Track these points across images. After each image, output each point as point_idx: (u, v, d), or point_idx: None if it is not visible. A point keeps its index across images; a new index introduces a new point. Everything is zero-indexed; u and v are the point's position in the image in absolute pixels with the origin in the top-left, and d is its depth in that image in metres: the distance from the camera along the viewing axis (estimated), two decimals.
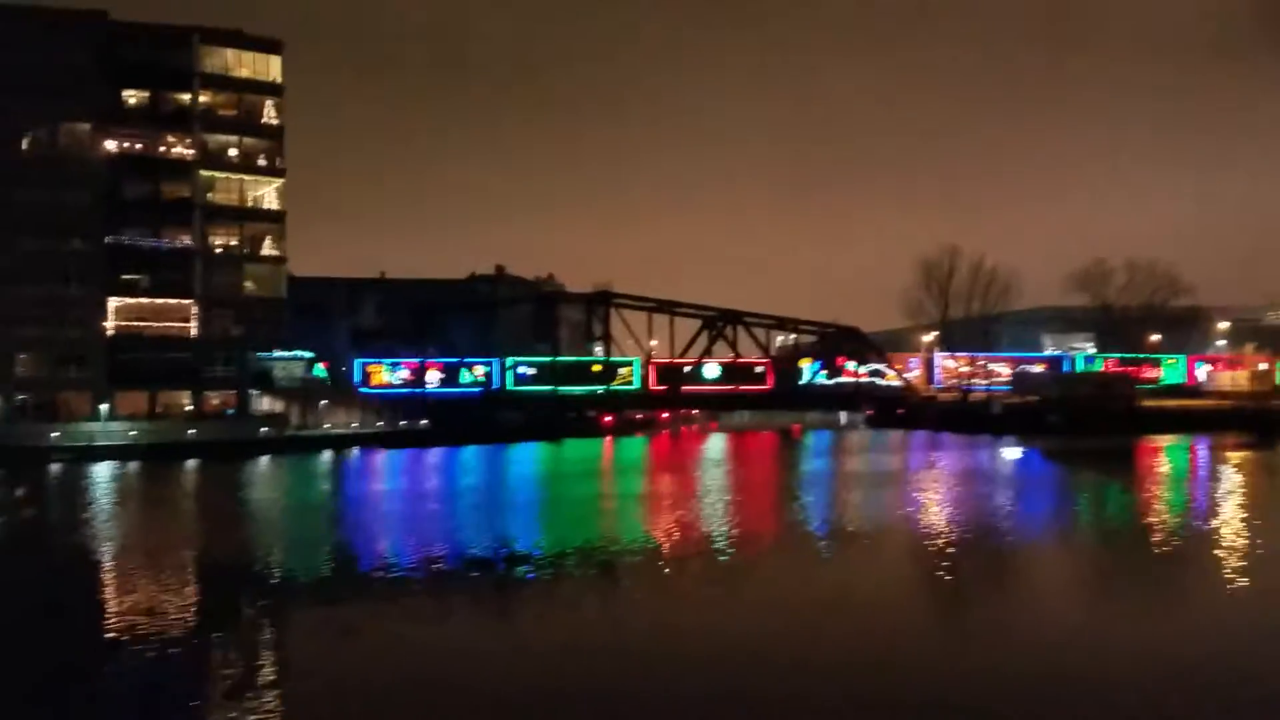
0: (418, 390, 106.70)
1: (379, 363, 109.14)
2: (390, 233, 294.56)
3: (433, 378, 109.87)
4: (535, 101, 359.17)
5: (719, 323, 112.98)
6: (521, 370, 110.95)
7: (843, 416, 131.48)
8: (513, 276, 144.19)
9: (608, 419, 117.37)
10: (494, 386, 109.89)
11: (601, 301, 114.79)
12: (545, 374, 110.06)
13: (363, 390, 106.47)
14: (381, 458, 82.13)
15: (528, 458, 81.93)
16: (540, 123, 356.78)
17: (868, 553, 34.62)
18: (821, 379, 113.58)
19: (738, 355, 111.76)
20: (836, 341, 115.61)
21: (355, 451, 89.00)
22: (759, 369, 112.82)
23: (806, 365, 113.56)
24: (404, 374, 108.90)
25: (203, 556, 35.02)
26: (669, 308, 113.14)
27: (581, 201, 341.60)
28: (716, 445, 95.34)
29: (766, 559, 34.24)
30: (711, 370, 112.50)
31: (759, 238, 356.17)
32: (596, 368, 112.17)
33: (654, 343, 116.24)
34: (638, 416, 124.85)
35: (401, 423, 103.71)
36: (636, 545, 35.28)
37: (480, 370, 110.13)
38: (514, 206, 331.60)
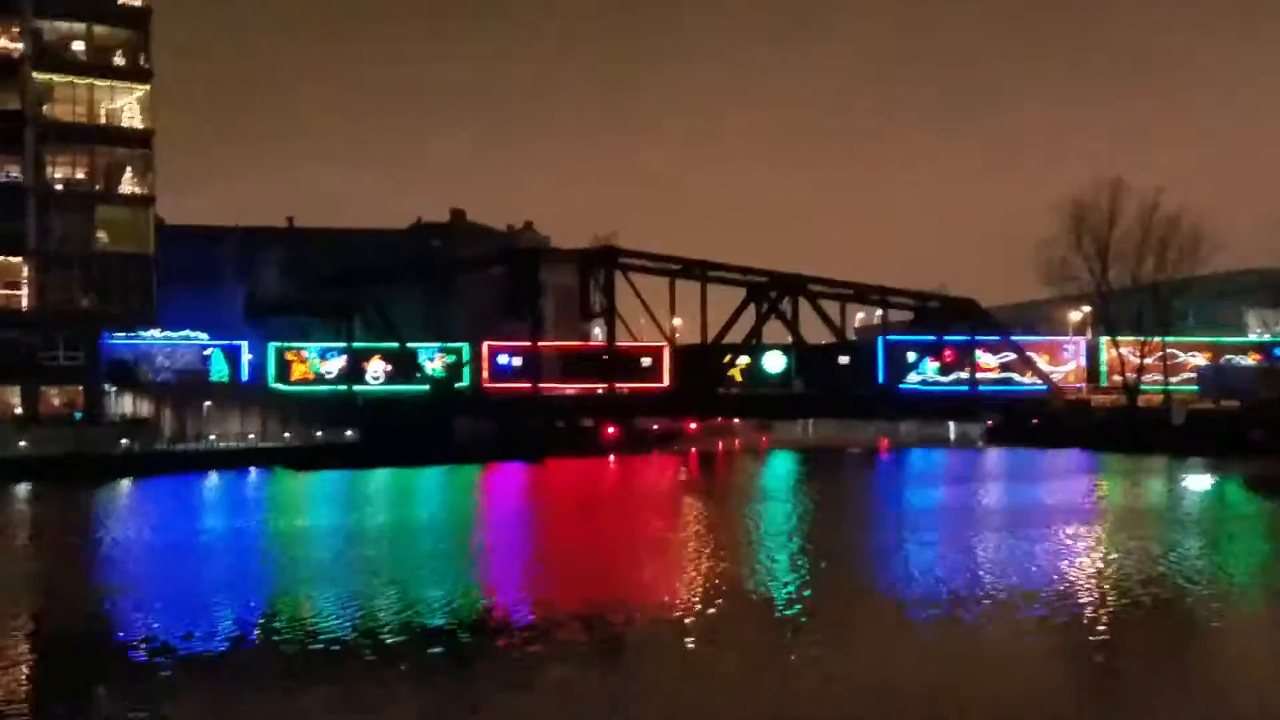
0: (343, 389, 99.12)
1: (302, 349, 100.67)
2: (303, 163, 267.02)
3: (376, 370, 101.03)
4: None
5: (772, 292, 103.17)
6: (504, 361, 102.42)
7: (951, 429, 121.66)
8: (476, 226, 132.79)
9: (610, 430, 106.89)
10: (456, 384, 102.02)
11: (604, 261, 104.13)
12: (529, 366, 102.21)
13: (276, 387, 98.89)
14: (291, 484, 74.47)
15: (498, 486, 73.10)
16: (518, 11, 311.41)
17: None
18: (933, 373, 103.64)
19: (799, 340, 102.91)
20: (943, 320, 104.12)
21: (254, 475, 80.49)
22: (842, 359, 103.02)
23: (910, 356, 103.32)
24: (340, 363, 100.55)
25: None
26: (699, 270, 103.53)
27: (570, 124, 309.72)
28: (778, 471, 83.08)
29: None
30: (774, 361, 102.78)
31: (815, 183, 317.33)
32: (440, 361, 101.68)
33: (677, 322, 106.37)
34: (653, 427, 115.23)
35: (319, 433, 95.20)
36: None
37: (442, 360, 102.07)
38: (475, 124, 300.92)
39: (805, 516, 53.07)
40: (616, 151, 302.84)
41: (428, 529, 49.50)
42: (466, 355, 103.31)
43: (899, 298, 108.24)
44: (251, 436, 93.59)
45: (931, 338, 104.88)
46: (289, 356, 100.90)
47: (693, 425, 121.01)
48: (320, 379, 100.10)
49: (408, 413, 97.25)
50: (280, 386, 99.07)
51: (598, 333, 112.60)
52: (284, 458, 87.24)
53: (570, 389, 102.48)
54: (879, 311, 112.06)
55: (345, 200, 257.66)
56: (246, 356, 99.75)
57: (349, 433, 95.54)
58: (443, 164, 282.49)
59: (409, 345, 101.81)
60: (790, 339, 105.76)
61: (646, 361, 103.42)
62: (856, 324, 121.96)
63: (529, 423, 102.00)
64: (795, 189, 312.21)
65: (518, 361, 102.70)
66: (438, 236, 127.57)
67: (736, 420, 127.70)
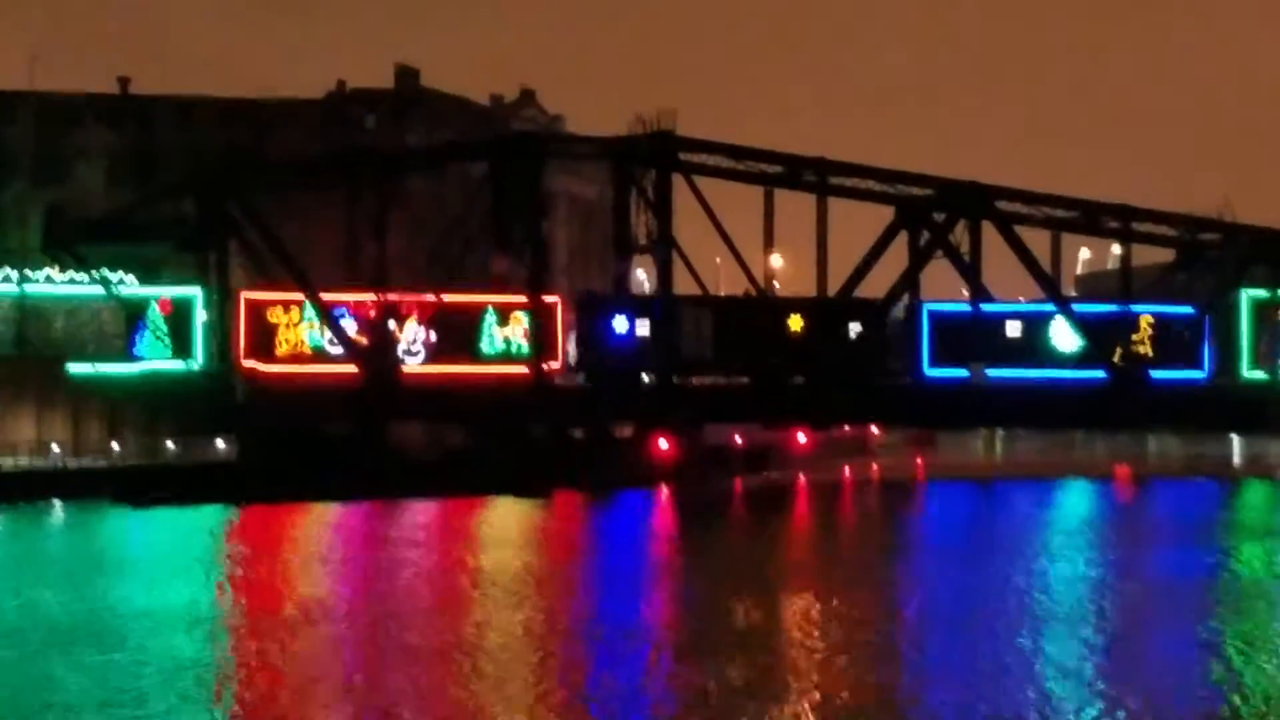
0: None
1: (290, 302, 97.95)
2: None
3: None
4: None
5: (938, 214, 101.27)
6: (494, 338, 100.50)
7: (1235, 448, 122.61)
8: (439, 96, 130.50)
9: (663, 445, 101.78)
10: (398, 361, 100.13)
11: (654, 158, 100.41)
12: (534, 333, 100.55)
13: (252, 367, 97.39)
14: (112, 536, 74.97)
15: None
16: None
17: None
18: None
19: (978, 287, 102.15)
20: (1232, 263, 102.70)
21: (59, 513, 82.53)
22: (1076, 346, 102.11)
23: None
24: (350, 326, 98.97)
25: None
26: (815, 174, 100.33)
27: None
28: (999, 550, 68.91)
29: None
30: (1015, 329, 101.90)
31: (985, 57, 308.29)
32: (518, 326, 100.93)
33: (777, 260, 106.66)
34: (735, 440, 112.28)
35: (171, 444, 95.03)
36: None
37: (369, 322, 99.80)
38: None
39: None
40: None
41: None
42: (529, 323, 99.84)
43: (1153, 224, 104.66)
44: (56, 449, 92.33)
45: None
46: (272, 316, 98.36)
47: (801, 438, 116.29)
48: (320, 355, 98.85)
49: (316, 416, 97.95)
50: (257, 366, 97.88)
51: (640, 276, 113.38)
52: (115, 483, 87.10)
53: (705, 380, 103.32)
54: (1115, 248, 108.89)
55: (221, 55, 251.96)
56: (160, 314, 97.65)
57: (220, 444, 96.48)
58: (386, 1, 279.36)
59: (323, 296, 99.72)
60: (966, 288, 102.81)
61: (796, 323, 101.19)
62: (1079, 268, 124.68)
63: (526, 433, 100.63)
64: (953, 68, 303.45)
65: (643, 327, 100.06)
66: (374, 111, 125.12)
67: (876, 430, 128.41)
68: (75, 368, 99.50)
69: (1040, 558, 67.69)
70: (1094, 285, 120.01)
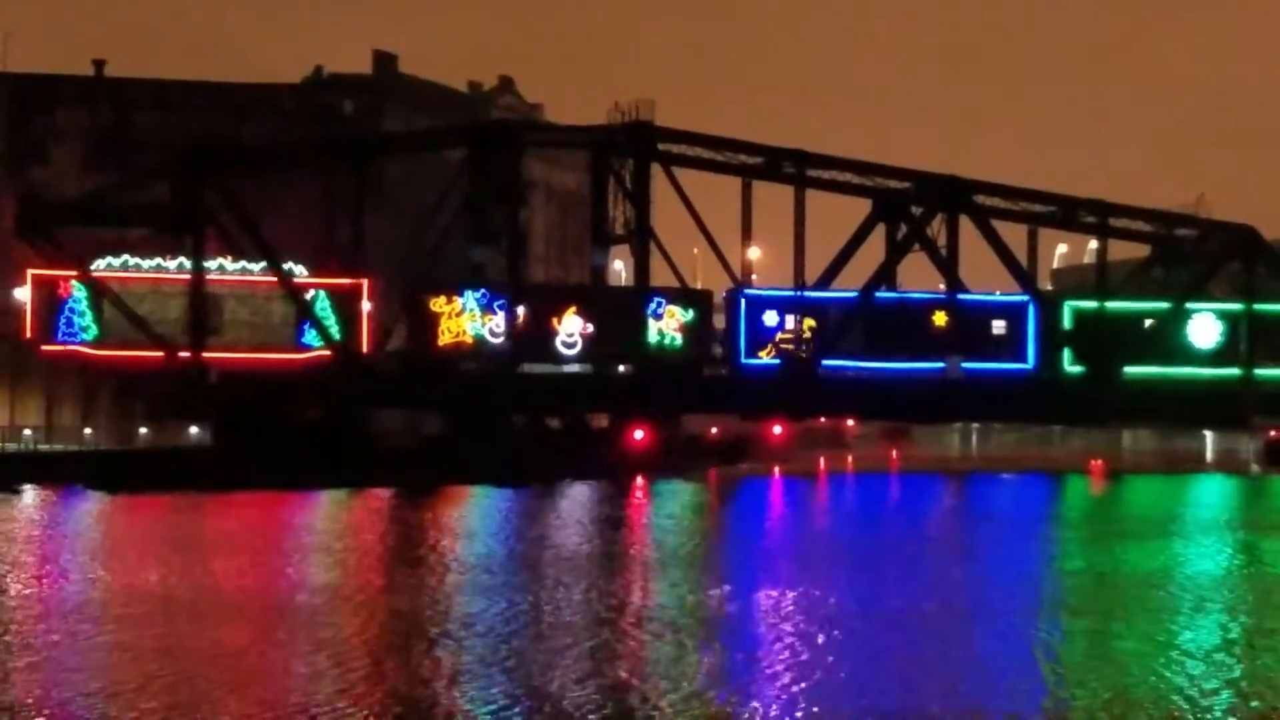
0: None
1: (454, 293, 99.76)
2: None
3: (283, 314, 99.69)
4: None
5: (916, 207, 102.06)
6: (489, 316, 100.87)
7: (1208, 443, 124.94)
8: (417, 82, 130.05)
9: (639, 435, 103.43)
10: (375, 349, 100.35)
11: (633, 148, 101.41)
12: (510, 323, 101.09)
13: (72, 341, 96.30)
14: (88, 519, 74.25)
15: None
16: None
17: None
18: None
19: (954, 279, 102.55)
20: (1204, 258, 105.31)
21: (31, 498, 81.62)
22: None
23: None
24: (498, 319, 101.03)
25: None
26: (794, 166, 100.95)
27: None
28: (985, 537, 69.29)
29: None
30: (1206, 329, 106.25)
31: (967, 53, 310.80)
32: (671, 319, 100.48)
33: (755, 252, 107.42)
34: (712, 432, 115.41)
35: (143, 429, 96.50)
36: None
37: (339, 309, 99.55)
38: None
39: None
40: None
41: None
42: (694, 314, 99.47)
43: (1129, 220, 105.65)
44: (28, 433, 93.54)
45: None
46: (435, 306, 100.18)
47: (776, 429, 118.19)
48: (480, 345, 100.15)
49: (287, 399, 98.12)
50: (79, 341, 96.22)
51: (618, 267, 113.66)
52: (86, 468, 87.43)
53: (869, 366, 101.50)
54: (1093, 243, 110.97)
55: (198, 40, 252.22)
56: (327, 302, 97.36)
57: (194, 430, 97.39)
58: None
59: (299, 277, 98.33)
60: (942, 281, 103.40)
61: (999, 327, 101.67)
62: (1056, 262, 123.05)
63: (504, 421, 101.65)
64: (939, 55, 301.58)
65: (789, 320, 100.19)
66: (352, 96, 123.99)
67: (850, 423, 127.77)
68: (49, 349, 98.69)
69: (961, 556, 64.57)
70: (1070, 279, 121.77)
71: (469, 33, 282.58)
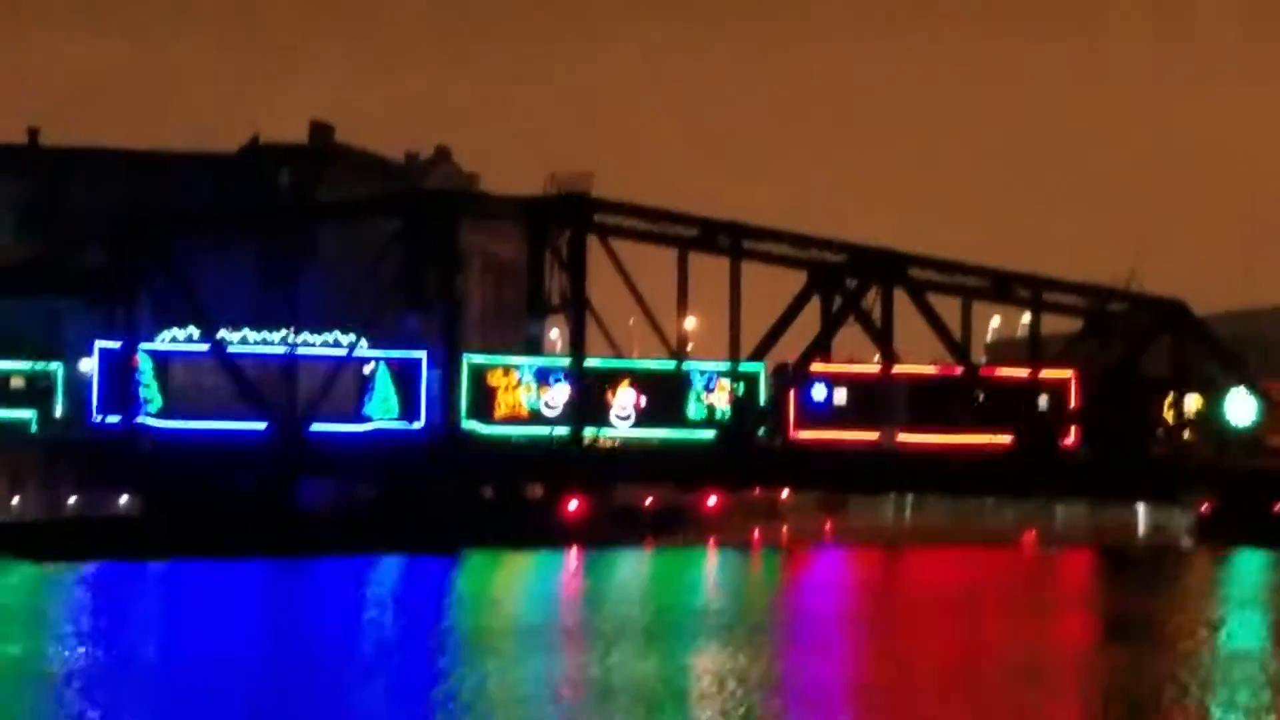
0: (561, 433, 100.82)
1: (511, 366, 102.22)
2: (62, 43, 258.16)
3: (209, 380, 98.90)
4: None
5: (851, 280, 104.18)
6: (545, 389, 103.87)
7: (1140, 514, 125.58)
8: (353, 152, 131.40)
9: (572, 505, 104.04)
10: (309, 423, 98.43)
11: (569, 218, 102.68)
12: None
13: (472, 427, 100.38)
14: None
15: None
16: None
17: None
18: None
19: (889, 352, 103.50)
20: (1135, 330, 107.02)
21: None
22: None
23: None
24: (564, 391, 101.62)
25: None
26: (729, 238, 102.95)
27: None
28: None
29: None
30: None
31: (907, 116, 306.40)
32: (722, 393, 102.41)
33: (691, 322, 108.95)
34: (646, 502, 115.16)
35: (72, 499, 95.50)
36: None
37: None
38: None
39: None
40: (578, 48, 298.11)
41: None
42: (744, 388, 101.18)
43: (1061, 294, 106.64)
44: None
45: None
46: (492, 379, 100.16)
47: (711, 501, 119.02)
48: (536, 416, 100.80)
49: (221, 471, 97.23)
50: (478, 427, 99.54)
51: (554, 336, 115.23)
52: (14, 539, 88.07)
53: (914, 440, 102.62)
54: (1026, 316, 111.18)
55: (137, 107, 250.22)
56: (388, 375, 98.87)
57: (123, 499, 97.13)
58: (302, 57, 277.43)
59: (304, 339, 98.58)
60: (878, 355, 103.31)
61: (1044, 401, 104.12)
62: (990, 335, 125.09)
63: (438, 490, 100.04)
64: (874, 128, 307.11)
65: (840, 397, 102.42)
66: (289, 165, 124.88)
67: (785, 494, 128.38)
68: None
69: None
70: (1004, 352, 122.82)
71: (405, 104, 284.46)
